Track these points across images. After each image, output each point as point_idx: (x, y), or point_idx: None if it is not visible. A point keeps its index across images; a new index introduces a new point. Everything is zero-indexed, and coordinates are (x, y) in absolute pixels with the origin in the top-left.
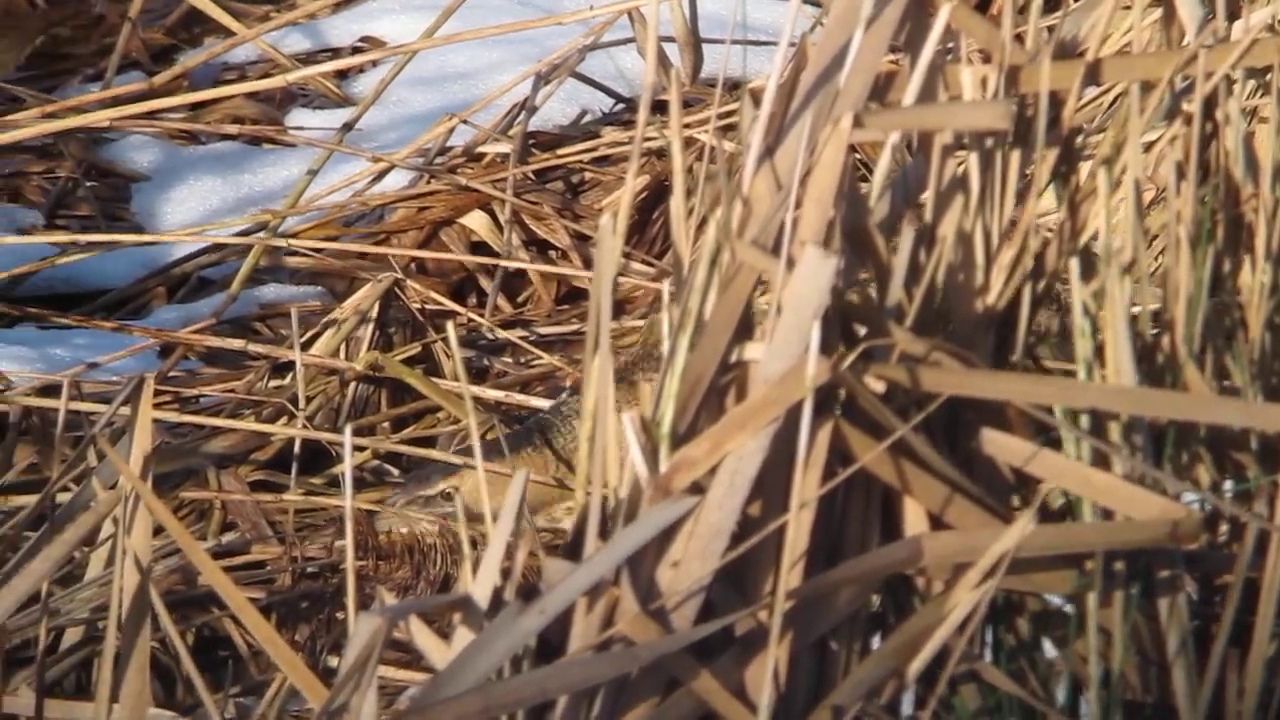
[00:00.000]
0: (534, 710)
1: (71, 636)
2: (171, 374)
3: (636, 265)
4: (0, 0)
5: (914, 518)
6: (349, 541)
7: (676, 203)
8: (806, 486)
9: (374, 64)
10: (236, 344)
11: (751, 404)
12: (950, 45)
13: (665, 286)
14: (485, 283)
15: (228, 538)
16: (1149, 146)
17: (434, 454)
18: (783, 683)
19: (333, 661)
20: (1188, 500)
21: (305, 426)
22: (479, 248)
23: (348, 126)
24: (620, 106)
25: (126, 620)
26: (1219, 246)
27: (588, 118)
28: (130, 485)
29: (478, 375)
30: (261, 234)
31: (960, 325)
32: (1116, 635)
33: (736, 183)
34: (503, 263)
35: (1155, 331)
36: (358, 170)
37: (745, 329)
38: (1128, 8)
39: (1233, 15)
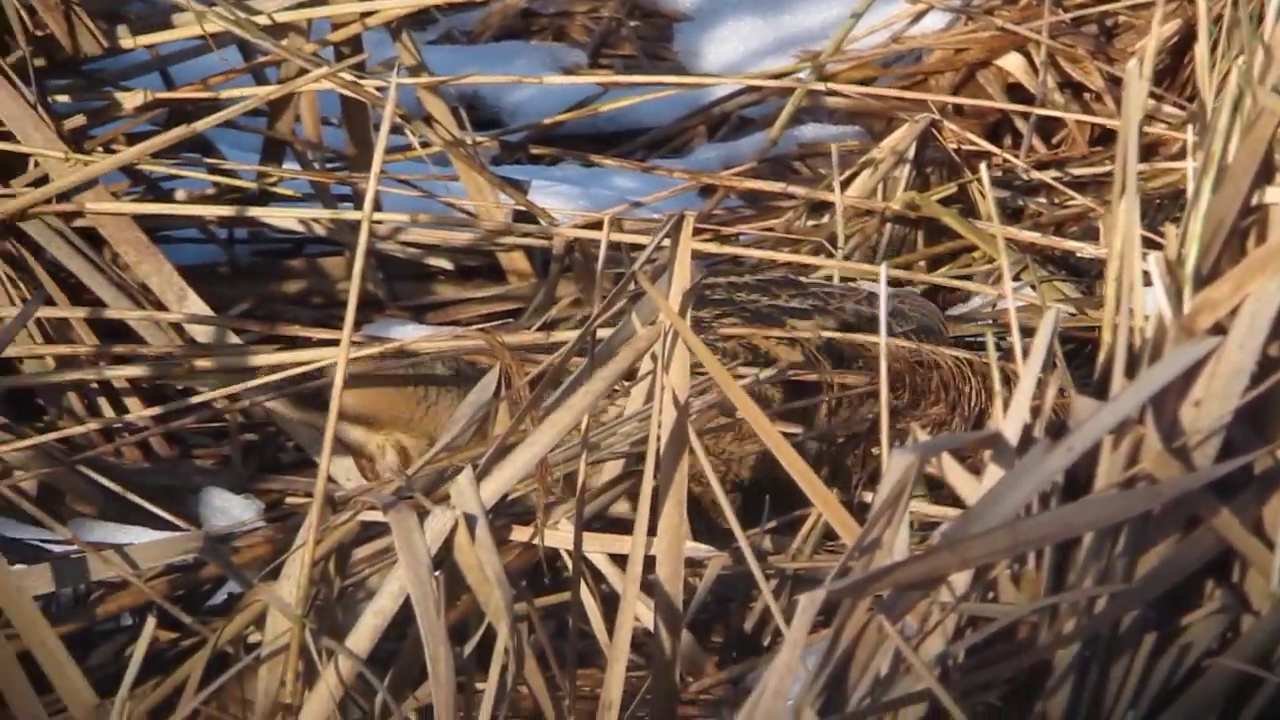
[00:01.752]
0: (1060, 546)
1: (610, 470)
2: (713, 212)
3: (1168, 108)
4: None
5: None
6: (882, 378)
7: (1201, 49)
8: None
9: None
10: (776, 186)
11: (1273, 246)
12: None
13: (1190, 132)
14: (1020, 124)
15: (766, 374)
16: None
17: (970, 286)
18: None
19: (867, 497)
20: None
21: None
22: (1014, 89)
23: None
24: None
25: (664, 455)
26: None
27: None
28: (669, 322)
29: (1012, 216)
30: (801, 76)
31: None
32: None
33: (1259, 30)
34: (1036, 111)
35: None
36: (896, 12)
37: (1266, 173)
38: None
39: None
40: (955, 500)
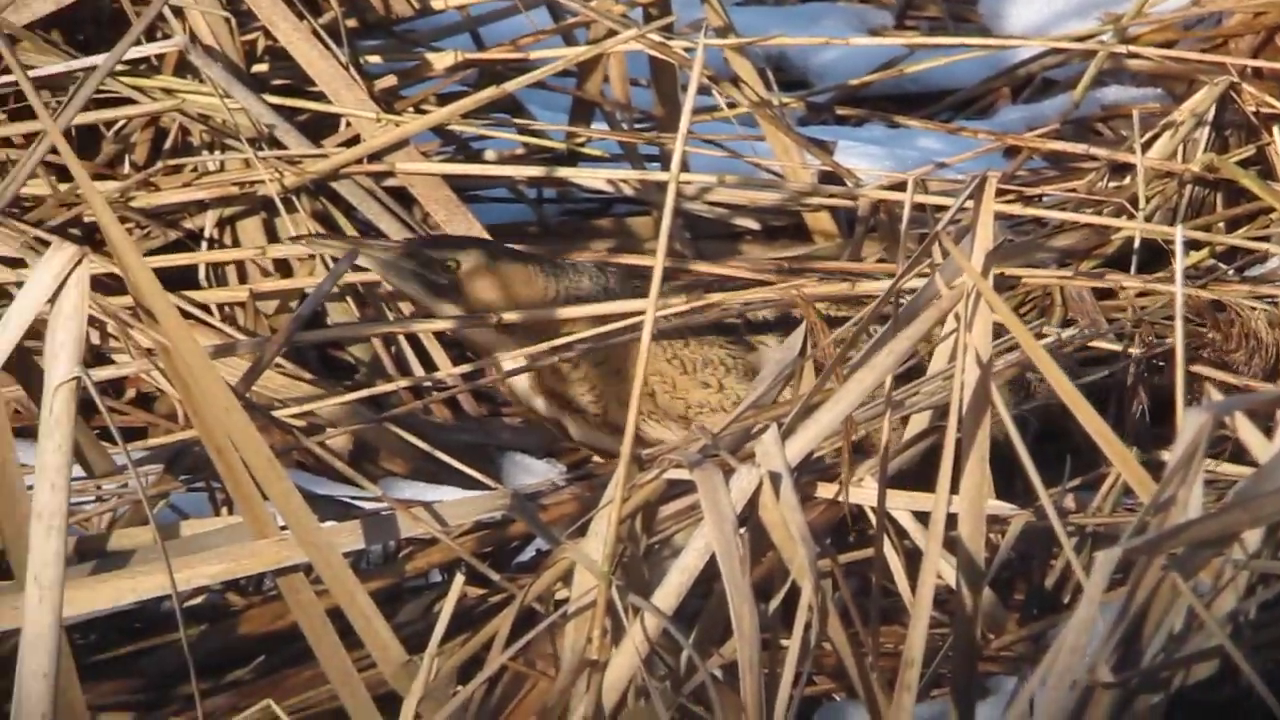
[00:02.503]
0: None
1: (914, 428)
2: (1016, 173)
3: None
4: None
5: None
6: (1177, 335)
7: None
8: None
9: None
10: (1078, 148)
11: None
12: None
13: None
14: None
15: (1069, 333)
16: None
17: (1268, 247)
18: None
19: (1164, 456)
20: None
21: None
22: None
23: None
24: None
25: (967, 414)
26: None
27: None
28: (972, 282)
29: None
30: (1104, 38)
31: None
32: None
33: None
34: None
35: None
36: None
37: None
38: None
39: None
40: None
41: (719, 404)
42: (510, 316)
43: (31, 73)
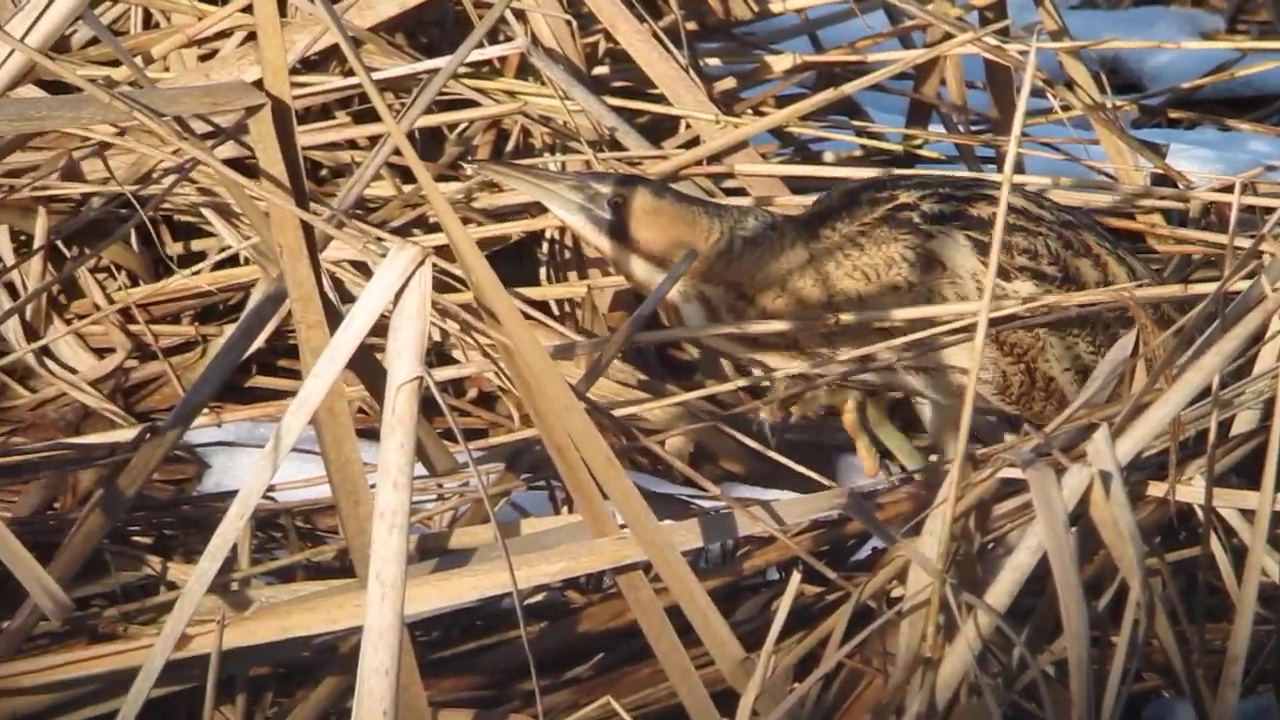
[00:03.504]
0: None
1: (1241, 426)
2: None
3: None
4: None
5: None
6: None
7: None
8: None
9: None
10: None
11: None
12: None
13: None
14: None
15: None
16: None
17: None
18: None
19: None
20: None
21: None
22: None
23: None
24: None
25: None
26: None
27: None
28: None
29: None
30: None
31: None
32: None
33: None
34: None
35: None
36: None
37: None
38: None
39: None
40: None
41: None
42: (846, 317)
43: (375, 75)
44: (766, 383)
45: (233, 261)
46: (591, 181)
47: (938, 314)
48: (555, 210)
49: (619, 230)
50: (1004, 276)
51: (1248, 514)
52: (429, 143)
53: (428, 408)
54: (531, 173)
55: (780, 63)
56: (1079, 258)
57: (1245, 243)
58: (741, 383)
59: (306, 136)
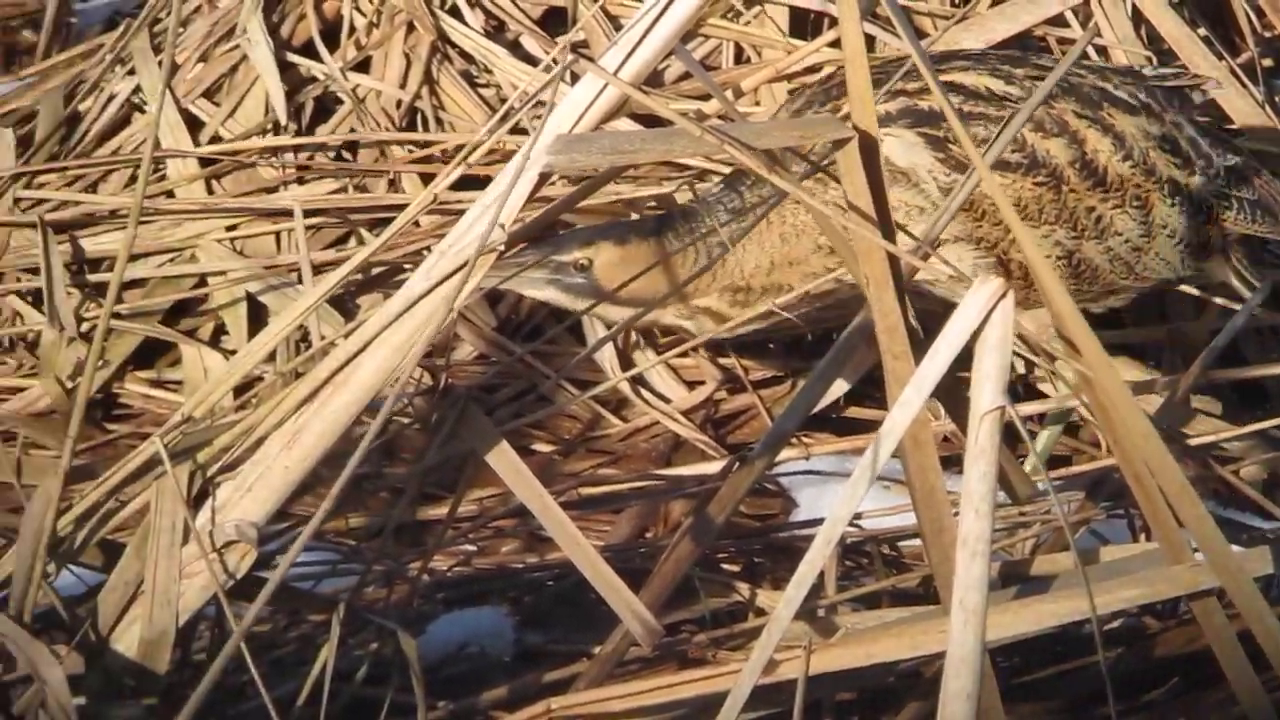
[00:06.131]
0: None
1: None
2: None
3: None
4: None
5: None
6: None
7: None
8: None
9: None
10: None
11: None
12: None
13: None
14: None
15: None
16: None
17: None
18: None
19: None
20: None
21: None
22: None
23: None
24: None
25: None
26: None
27: None
28: None
29: None
30: None
31: None
32: None
33: None
34: None
35: None
36: None
37: None
38: None
39: None
40: None
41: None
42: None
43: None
44: None
45: None
46: (553, 254)
47: None
48: (527, 294)
49: (596, 290)
50: (958, 169)
51: None
52: None
53: (1010, 436)
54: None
55: None
56: (1050, 138)
57: None
58: None
59: None
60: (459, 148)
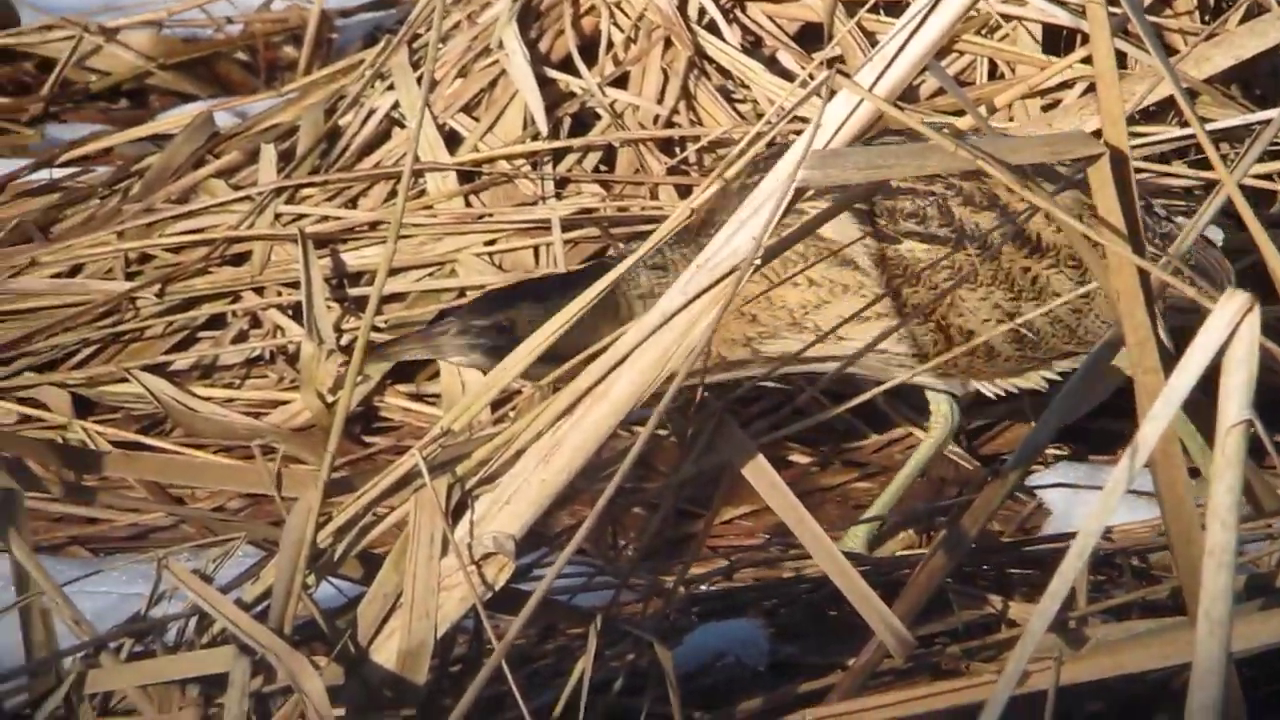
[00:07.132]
0: None
1: None
2: None
3: None
4: None
5: None
6: None
7: None
8: None
9: None
10: None
11: None
12: None
13: None
14: None
15: None
16: None
17: None
18: None
19: None
20: None
21: None
22: None
23: None
24: None
25: None
26: None
27: None
28: None
29: None
30: None
31: None
32: None
33: None
34: None
35: None
36: None
37: None
38: None
39: None
40: None
41: (819, 298)
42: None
43: (1209, 125)
44: None
45: None
46: (473, 320)
47: None
48: (453, 362)
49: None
50: (891, 241)
51: None
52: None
53: (1256, 450)
54: (409, 340)
55: None
56: (980, 212)
57: None
58: None
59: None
60: (714, 151)
